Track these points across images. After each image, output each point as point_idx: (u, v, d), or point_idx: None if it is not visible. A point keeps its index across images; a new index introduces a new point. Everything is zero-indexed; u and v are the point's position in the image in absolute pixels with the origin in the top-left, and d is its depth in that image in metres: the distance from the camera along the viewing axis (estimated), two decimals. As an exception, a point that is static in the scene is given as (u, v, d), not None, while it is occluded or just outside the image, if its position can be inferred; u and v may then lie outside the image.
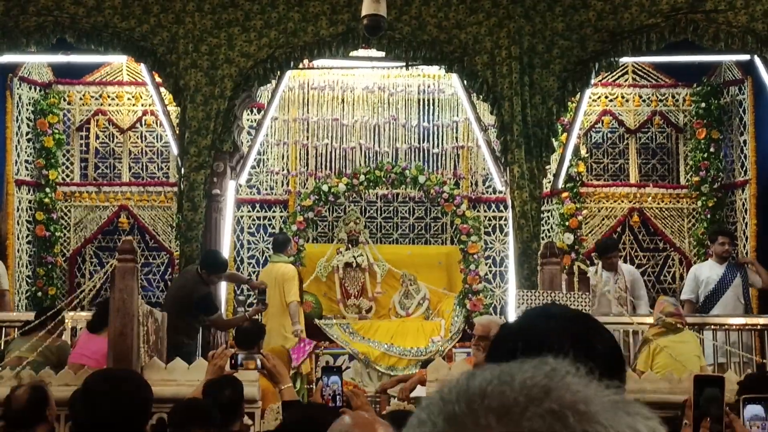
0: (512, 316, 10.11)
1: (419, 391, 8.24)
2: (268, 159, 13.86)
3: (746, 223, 12.84)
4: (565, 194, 12.96)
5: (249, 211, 13.81)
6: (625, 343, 10.38)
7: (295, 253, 12.39)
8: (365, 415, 3.09)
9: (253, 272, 13.23)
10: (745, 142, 13.01)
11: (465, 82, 11.71)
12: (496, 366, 1.12)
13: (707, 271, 11.43)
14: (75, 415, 3.39)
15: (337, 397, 4.62)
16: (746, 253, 12.52)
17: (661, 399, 7.99)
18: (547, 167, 11.45)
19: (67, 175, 13.74)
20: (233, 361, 5.68)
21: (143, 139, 13.93)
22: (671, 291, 13.24)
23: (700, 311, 11.16)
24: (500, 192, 12.70)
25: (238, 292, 13.08)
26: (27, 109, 13.35)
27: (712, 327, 10.51)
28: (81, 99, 13.83)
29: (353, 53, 11.72)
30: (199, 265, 10.50)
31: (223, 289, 11.64)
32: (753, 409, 3.64)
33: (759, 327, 10.55)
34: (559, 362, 1.11)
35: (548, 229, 13.19)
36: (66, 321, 9.88)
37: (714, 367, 10.18)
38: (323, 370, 4.80)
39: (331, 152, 13.80)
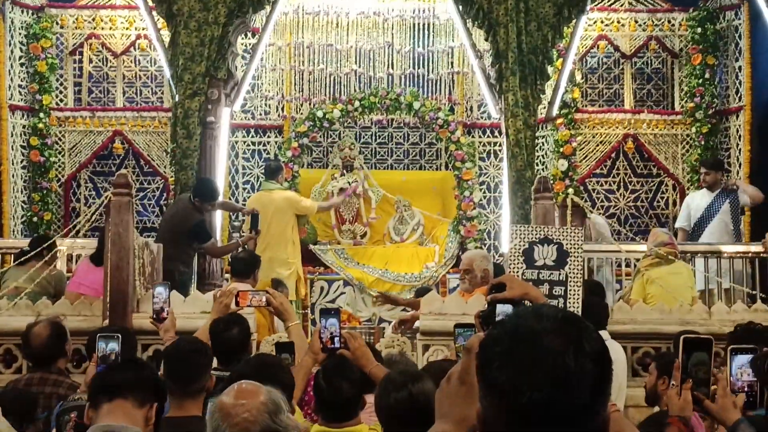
0: (505, 247, 10.14)
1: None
2: (262, 84, 13.80)
3: (740, 150, 12.87)
4: (559, 121, 12.94)
5: (244, 137, 13.79)
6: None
7: (288, 179, 12.39)
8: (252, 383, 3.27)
9: (249, 197, 13.23)
10: (740, 68, 13.00)
11: (460, 8, 11.58)
12: None
13: (698, 199, 11.53)
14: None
15: (335, 339, 4.68)
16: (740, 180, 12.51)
17: (652, 330, 8.12)
18: (542, 96, 11.42)
19: (61, 100, 13.68)
20: (237, 299, 5.74)
21: (137, 63, 13.84)
22: (664, 216, 13.31)
23: (690, 238, 11.26)
24: (495, 118, 12.65)
25: (234, 218, 13.10)
26: (19, 33, 13.24)
27: (704, 255, 10.58)
28: (74, 23, 13.70)
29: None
30: (192, 193, 10.53)
31: (219, 216, 11.67)
32: (742, 359, 3.73)
33: (750, 254, 10.64)
34: None
35: (542, 155, 13.19)
36: (62, 249, 9.94)
37: (705, 293, 10.30)
38: (321, 312, 4.85)
39: (325, 77, 13.74)
